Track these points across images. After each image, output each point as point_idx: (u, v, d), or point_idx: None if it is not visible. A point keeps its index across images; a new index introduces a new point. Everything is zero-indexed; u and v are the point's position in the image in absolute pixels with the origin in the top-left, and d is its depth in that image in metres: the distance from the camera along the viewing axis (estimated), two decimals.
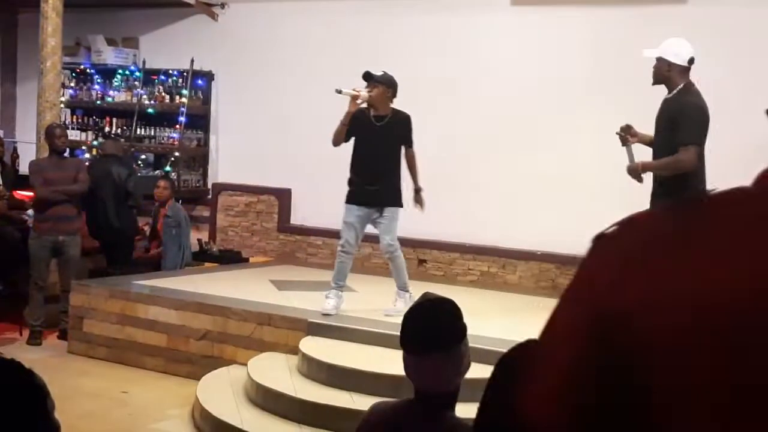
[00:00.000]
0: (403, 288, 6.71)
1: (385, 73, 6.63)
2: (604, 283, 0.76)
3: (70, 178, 7.81)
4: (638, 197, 8.15)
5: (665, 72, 5.66)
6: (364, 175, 6.62)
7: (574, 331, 0.77)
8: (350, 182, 6.74)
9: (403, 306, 6.35)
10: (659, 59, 5.69)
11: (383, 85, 6.58)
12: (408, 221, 9.10)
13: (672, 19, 8.14)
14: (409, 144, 6.74)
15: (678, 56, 5.64)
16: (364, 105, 6.59)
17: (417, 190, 6.76)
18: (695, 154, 5.66)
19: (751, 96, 7.66)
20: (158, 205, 8.91)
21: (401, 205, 6.70)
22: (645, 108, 8.18)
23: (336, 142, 6.77)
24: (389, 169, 6.68)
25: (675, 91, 5.69)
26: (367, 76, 6.60)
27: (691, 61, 5.74)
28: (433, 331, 2.31)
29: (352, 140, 6.73)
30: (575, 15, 8.54)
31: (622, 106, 8.35)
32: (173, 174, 10.10)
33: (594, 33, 8.44)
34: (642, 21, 8.26)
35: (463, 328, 2.35)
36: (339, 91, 6.50)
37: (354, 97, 6.52)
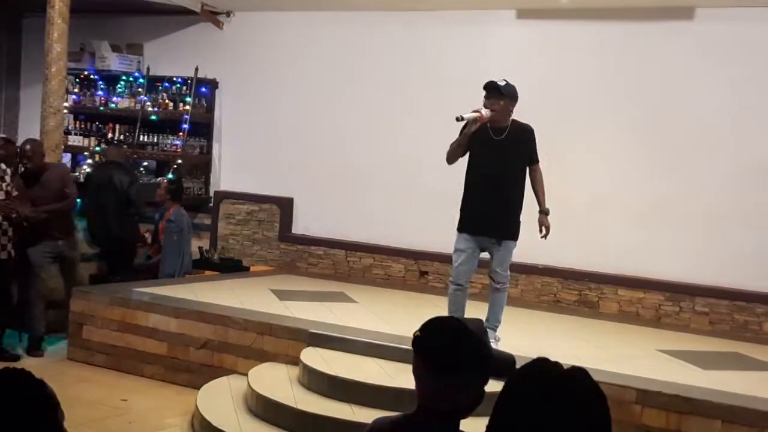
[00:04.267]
0: (494, 325, 6.04)
1: (508, 83, 5.94)
2: None
3: (56, 193, 7.53)
4: (641, 212, 8.19)
5: None
6: (481, 197, 5.93)
7: None
8: (464, 204, 6.03)
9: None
10: None
11: (508, 98, 5.89)
12: (408, 232, 9.14)
13: (678, 35, 8.16)
14: (534, 160, 6.05)
15: None
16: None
17: (544, 212, 6.10)
18: None
19: (758, 110, 7.67)
20: (163, 209, 8.87)
21: (518, 235, 6.04)
22: (649, 121, 8.23)
23: (451, 161, 6.05)
24: (511, 190, 5.96)
25: None
26: (491, 88, 5.88)
27: None
28: (463, 356, 2.21)
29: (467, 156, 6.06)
30: (581, 29, 8.55)
31: (627, 119, 8.38)
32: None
33: (600, 47, 8.45)
34: (648, 35, 8.27)
35: (480, 362, 2.27)
36: (461, 119, 5.79)
37: (476, 119, 5.80)
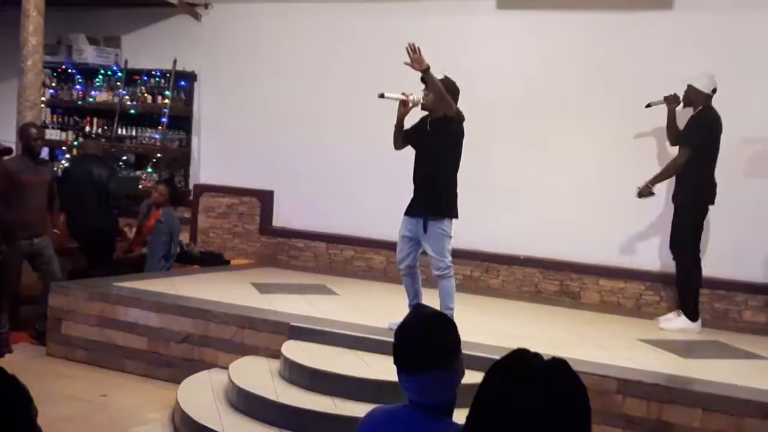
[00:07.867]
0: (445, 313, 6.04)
1: (447, 77, 5.97)
2: None
3: (45, 183, 7.47)
4: (621, 201, 8.21)
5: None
6: (414, 183, 6.09)
7: None
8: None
9: None
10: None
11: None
12: (389, 224, 9.11)
13: (657, 25, 8.18)
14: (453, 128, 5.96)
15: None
16: (418, 108, 5.93)
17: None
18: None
19: (734, 98, 7.69)
20: (151, 205, 8.82)
21: (446, 216, 5.99)
22: (629, 112, 8.24)
23: (395, 146, 6.18)
24: (434, 174, 6.00)
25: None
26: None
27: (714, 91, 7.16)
28: (428, 350, 2.24)
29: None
30: (560, 19, 8.54)
31: (607, 110, 8.39)
32: (156, 176, 10.09)
33: (579, 37, 8.46)
34: (627, 25, 8.28)
35: (457, 343, 2.30)
36: (381, 96, 5.80)
37: (403, 102, 5.85)
